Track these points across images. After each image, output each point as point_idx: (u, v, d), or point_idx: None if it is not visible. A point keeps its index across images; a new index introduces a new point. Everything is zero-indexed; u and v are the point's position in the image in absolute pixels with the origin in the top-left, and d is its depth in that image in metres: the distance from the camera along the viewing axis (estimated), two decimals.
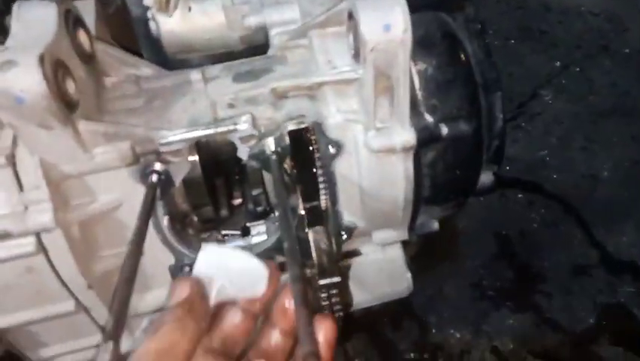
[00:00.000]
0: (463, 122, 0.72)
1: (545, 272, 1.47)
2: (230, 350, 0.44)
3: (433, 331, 1.36)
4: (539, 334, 1.34)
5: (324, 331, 0.40)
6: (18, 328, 0.71)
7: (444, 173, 0.75)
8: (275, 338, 0.44)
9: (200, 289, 0.43)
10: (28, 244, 0.63)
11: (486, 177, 0.82)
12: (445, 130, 0.70)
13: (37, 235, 0.63)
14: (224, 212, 0.84)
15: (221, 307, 0.44)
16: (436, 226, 0.86)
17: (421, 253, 1.21)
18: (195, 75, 0.74)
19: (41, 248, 0.64)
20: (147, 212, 0.59)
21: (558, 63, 2.05)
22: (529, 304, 1.40)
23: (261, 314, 0.45)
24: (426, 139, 0.69)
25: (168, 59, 0.82)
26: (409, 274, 0.87)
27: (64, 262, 0.65)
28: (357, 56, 0.66)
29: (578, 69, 2.02)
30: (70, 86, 0.61)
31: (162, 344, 0.39)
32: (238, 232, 0.83)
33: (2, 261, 0.63)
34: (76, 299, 0.70)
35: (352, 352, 1.28)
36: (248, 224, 0.82)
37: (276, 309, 0.44)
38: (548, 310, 1.38)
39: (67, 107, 0.60)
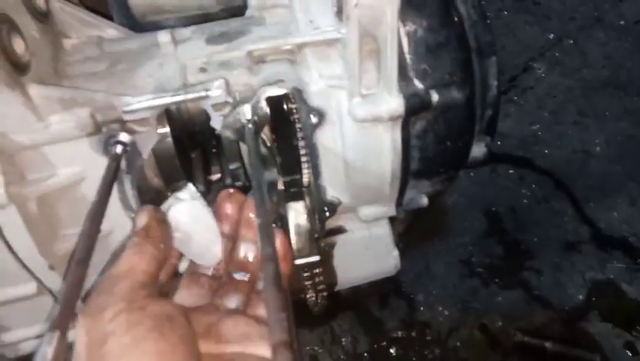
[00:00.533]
0: (455, 89, 0.67)
1: (535, 249, 1.45)
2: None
3: (421, 309, 1.34)
4: (528, 311, 1.32)
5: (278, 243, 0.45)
6: None
7: (434, 144, 0.70)
8: (244, 249, 0.51)
9: (157, 216, 0.49)
10: None
11: (478, 150, 0.77)
12: (435, 97, 0.65)
13: None
14: (200, 188, 0.78)
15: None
16: (425, 201, 0.81)
17: (409, 229, 1.18)
18: (164, 37, 0.67)
19: None
20: (108, 186, 0.54)
21: (552, 35, 1.99)
22: (519, 280, 1.38)
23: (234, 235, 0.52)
24: (415, 107, 0.64)
25: (137, 21, 0.75)
26: (396, 252, 0.84)
27: (21, 240, 0.60)
28: (340, 13, 0.60)
29: (571, 42, 1.97)
30: (19, 45, 0.55)
31: (121, 267, 0.43)
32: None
33: None
34: (38, 281, 0.65)
35: (339, 330, 1.25)
36: None
37: (242, 222, 0.50)
38: (538, 287, 1.36)
39: (15, 68, 0.53)
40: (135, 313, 0.37)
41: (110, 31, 0.72)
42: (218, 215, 0.53)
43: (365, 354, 1.24)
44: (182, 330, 0.39)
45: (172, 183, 0.73)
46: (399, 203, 0.79)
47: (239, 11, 0.75)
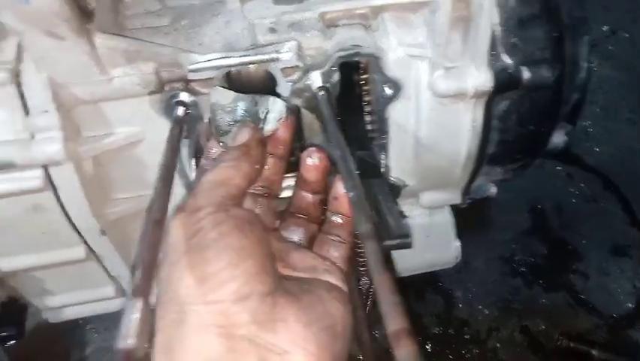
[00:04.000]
0: (545, 68, 0.61)
1: (582, 250, 1.38)
2: (270, 188, 0.54)
3: (460, 306, 1.29)
4: (573, 315, 1.26)
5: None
6: (22, 272, 0.63)
7: (516, 127, 0.64)
8: (306, 196, 0.54)
9: (258, 137, 0.52)
10: (35, 177, 0.54)
11: (558, 137, 0.71)
12: (527, 75, 0.59)
13: (45, 167, 0.54)
14: None
15: None
16: (494, 190, 0.76)
17: None
18: None
19: (49, 184, 0.55)
20: (174, 148, 0.50)
21: (605, 28, 1.89)
22: (564, 283, 1.32)
23: (285, 156, 0.56)
24: (504, 84, 0.58)
25: None
26: (458, 243, 0.78)
27: (75, 201, 0.56)
28: None
29: (626, 35, 1.86)
30: None
31: (218, 176, 0.46)
32: None
33: (5, 195, 0.55)
34: (88, 245, 0.62)
35: (374, 319, 1.21)
36: None
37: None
38: (584, 291, 1.30)
39: (82, 14, 0.49)
40: (222, 214, 0.42)
41: None
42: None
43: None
44: (260, 234, 0.43)
45: None
46: (466, 190, 0.73)
47: None
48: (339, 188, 0.51)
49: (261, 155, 0.51)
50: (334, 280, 0.47)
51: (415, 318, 1.24)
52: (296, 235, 0.53)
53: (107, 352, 1.16)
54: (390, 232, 0.43)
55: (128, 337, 0.30)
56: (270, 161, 0.55)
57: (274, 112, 0.57)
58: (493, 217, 1.44)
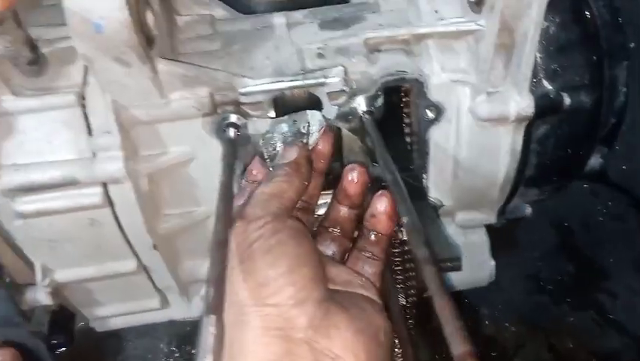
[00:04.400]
0: (584, 93, 0.62)
1: (610, 269, 1.36)
2: (309, 202, 0.57)
3: (486, 323, 1.28)
4: (601, 335, 1.24)
5: (384, 203, 0.52)
6: (75, 283, 0.66)
7: (554, 150, 0.65)
8: (343, 211, 0.56)
9: (307, 155, 0.55)
10: (95, 194, 0.57)
11: (594, 160, 0.72)
12: (567, 100, 0.60)
13: (104, 185, 0.57)
14: None
15: None
16: (528, 211, 0.77)
17: None
18: (278, 19, 0.66)
19: (107, 200, 0.58)
20: (229, 166, 0.52)
21: (633, 44, 1.88)
22: (591, 302, 1.30)
23: (324, 170, 0.59)
24: (545, 109, 0.60)
25: (247, 2, 0.73)
26: (492, 262, 0.80)
27: (131, 217, 0.59)
28: (479, 3, 0.56)
29: None
30: (150, 19, 0.54)
31: (274, 190, 0.49)
32: None
33: (66, 211, 0.58)
34: (139, 259, 0.64)
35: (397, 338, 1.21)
36: None
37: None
38: (612, 311, 1.28)
39: (147, 41, 0.52)
40: (279, 224, 0.45)
41: (218, 10, 0.70)
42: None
43: None
44: (312, 244, 0.46)
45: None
46: (502, 211, 0.74)
47: None
48: (378, 205, 0.53)
49: (310, 171, 0.54)
50: (370, 294, 0.49)
51: (440, 334, 1.24)
52: (330, 249, 0.55)
53: (139, 360, 1.19)
54: (441, 255, 0.45)
55: (206, 353, 0.32)
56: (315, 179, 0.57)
57: (315, 124, 0.60)
58: (519, 235, 1.43)
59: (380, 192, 0.53)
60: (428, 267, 0.36)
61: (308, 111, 0.60)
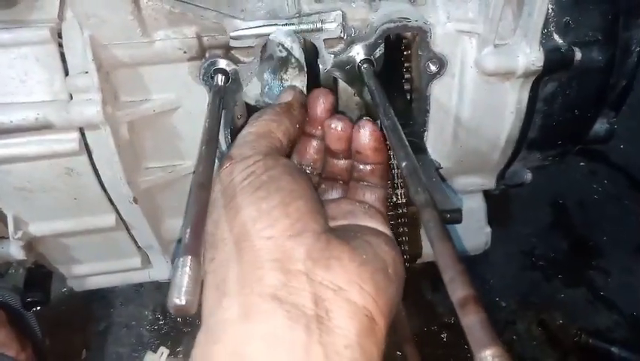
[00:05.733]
0: (597, 50, 0.59)
1: (603, 248, 1.36)
2: (314, 167, 0.54)
3: None
4: (592, 311, 1.24)
5: (367, 136, 0.48)
6: (51, 238, 0.63)
7: (560, 111, 0.62)
8: (339, 163, 0.53)
9: (301, 99, 0.52)
10: (71, 140, 0.53)
11: (600, 125, 0.69)
12: (579, 55, 0.56)
13: (81, 130, 0.53)
14: None
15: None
16: (529, 177, 0.74)
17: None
18: None
19: (85, 147, 0.54)
20: (217, 113, 0.48)
21: None
22: (584, 279, 1.30)
23: (321, 135, 0.53)
24: (555, 64, 0.56)
25: None
26: (488, 229, 0.77)
27: (110, 167, 0.55)
28: None
29: None
30: None
31: (260, 129, 0.46)
32: None
33: (40, 157, 0.54)
34: (119, 213, 0.61)
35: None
36: None
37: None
38: (604, 288, 1.28)
39: None
40: (271, 161, 0.42)
41: None
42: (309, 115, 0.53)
43: (415, 337, 1.19)
44: (308, 181, 0.44)
45: None
46: (501, 175, 0.71)
47: None
48: (362, 140, 0.49)
49: (302, 116, 0.52)
50: (375, 223, 0.47)
51: (430, 307, 1.23)
52: (330, 195, 0.54)
53: (123, 327, 1.17)
54: (441, 206, 0.41)
55: (180, 294, 0.29)
56: (313, 143, 0.54)
57: (286, 42, 0.54)
58: (514, 211, 1.42)
59: (359, 122, 0.49)
60: (427, 210, 0.33)
61: (270, 36, 0.54)
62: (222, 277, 0.36)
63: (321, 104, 0.52)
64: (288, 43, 0.53)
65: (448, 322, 1.24)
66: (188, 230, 0.33)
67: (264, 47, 0.55)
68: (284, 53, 0.53)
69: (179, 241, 0.36)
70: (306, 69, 0.54)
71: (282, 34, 0.53)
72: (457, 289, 0.29)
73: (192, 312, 0.30)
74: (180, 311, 0.29)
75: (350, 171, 0.53)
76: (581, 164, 1.52)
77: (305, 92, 0.55)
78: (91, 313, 1.16)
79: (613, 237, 1.36)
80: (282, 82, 0.55)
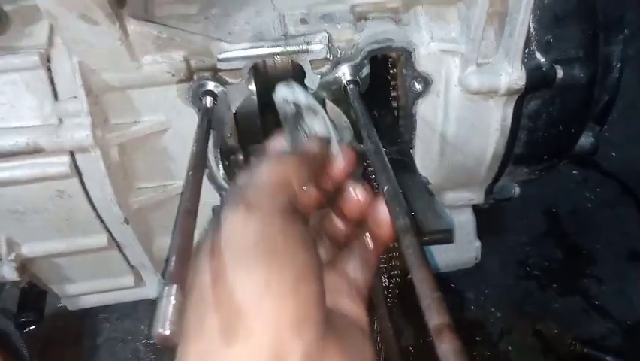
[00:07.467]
0: (579, 67, 0.60)
1: (597, 255, 1.36)
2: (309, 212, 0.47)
3: (472, 307, 1.27)
4: (587, 320, 1.24)
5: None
6: (43, 259, 0.63)
7: (545, 127, 0.63)
8: (338, 223, 0.48)
9: (326, 154, 0.47)
10: (61, 163, 0.54)
11: (585, 139, 0.70)
12: (560, 73, 0.58)
13: (72, 153, 0.54)
14: None
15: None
16: (517, 191, 0.75)
17: None
18: None
19: (75, 170, 0.55)
20: (204, 137, 0.49)
21: (625, 30, 1.86)
22: (578, 287, 1.30)
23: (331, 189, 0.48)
24: (537, 82, 0.57)
25: None
26: (478, 243, 0.78)
27: (101, 189, 0.56)
28: None
29: None
30: None
31: (280, 178, 0.41)
32: None
33: (31, 180, 0.54)
34: (110, 233, 0.61)
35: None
36: None
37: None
38: (598, 296, 1.28)
39: (117, 0, 0.49)
40: (289, 222, 0.38)
41: None
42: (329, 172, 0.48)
43: (410, 348, 1.19)
44: (317, 250, 0.40)
45: (247, 146, 0.68)
46: (489, 190, 0.72)
47: None
48: (383, 214, 0.43)
49: (320, 171, 0.46)
50: (356, 310, 0.43)
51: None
52: (323, 255, 0.47)
53: (119, 342, 1.16)
54: (432, 226, 0.42)
55: (165, 323, 0.30)
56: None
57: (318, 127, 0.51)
58: (508, 220, 1.42)
59: (379, 199, 0.44)
60: (407, 237, 0.34)
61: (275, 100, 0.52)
62: (206, 357, 0.32)
63: (345, 166, 0.46)
64: (290, 96, 0.51)
65: None
66: (174, 258, 0.33)
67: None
68: (293, 108, 0.51)
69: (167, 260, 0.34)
70: (320, 110, 0.51)
71: (282, 90, 0.51)
72: (433, 316, 0.30)
73: (177, 342, 0.31)
74: (165, 341, 0.29)
75: (348, 238, 0.48)
76: (574, 172, 1.53)
77: (330, 129, 0.50)
78: (87, 328, 1.16)
79: (605, 244, 1.37)
80: (303, 130, 0.51)
